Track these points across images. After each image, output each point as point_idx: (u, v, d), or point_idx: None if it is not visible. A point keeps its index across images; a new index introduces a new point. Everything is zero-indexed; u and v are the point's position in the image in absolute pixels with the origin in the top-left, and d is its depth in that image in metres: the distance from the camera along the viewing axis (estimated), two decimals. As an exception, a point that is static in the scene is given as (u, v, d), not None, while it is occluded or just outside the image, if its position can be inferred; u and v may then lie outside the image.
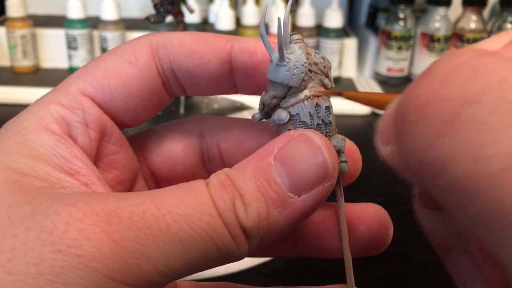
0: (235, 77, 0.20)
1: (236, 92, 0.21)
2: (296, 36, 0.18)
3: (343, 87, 0.77)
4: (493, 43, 0.14)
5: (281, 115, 0.18)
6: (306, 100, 0.18)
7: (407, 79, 0.79)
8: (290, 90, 0.18)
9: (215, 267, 0.17)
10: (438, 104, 0.11)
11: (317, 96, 0.18)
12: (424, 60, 0.76)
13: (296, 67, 0.18)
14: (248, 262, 0.39)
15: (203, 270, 0.16)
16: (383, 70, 0.77)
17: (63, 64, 0.79)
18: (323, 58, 0.19)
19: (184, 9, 0.49)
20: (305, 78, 0.18)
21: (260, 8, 0.79)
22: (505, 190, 0.10)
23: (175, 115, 0.51)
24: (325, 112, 0.18)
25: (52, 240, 0.14)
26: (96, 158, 0.20)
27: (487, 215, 0.10)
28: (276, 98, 0.18)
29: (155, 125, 0.23)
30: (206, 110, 0.52)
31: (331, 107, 0.18)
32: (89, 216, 0.15)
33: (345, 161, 0.19)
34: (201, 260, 0.16)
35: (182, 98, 0.52)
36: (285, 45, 0.18)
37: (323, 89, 0.18)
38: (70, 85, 0.19)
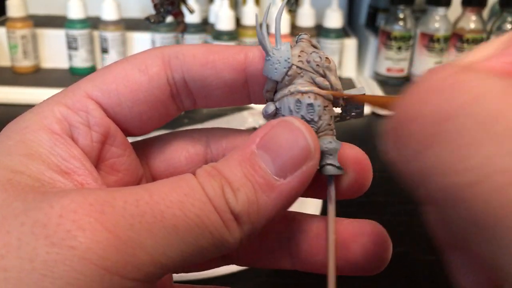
0: (249, 86, 0.20)
1: (249, 102, 0.21)
2: (303, 36, 0.19)
3: (343, 87, 0.77)
4: (482, 53, 0.14)
5: (268, 107, 0.19)
6: (289, 95, 0.19)
7: (406, 79, 0.79)
8: (278, 85, 0.19)
9: (210, 257, 0.17)
10: (419, 121, 0.12)
11: (303, 93, 0.18)
12: (424, 60, 0.77)
13: (279, 62, 0.18)
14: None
15: (198, 262, 0.16)
16: (383, 70, 0.78)
17: (63, 64, 0.79)
18: (320, 57, 0.19)
19: (184, 9, 0.49)
20: (290, 73, 0.18)
21: (260, 8, 0.79)
22: (478, 202, 0.11)
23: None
24: (307, 109, 0.18)
25: (46, 233, 0.14)
26: (99, 160, 0.19)
27: (467, 223, 0.11)
28: (268, 92, 0.19)
29: (162, 132, 0.23)
30: (206, 110, 0.53)
31: (320, 106, 0.18)
32: (82, 207, 0.15)
33: (333, 165, 0.19)
34: (196, 249, 0.16)
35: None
36: (278, 42, 0.19)
37: (315, 88, 0.19)
38: (77, 88, 0.19)
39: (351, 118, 0.21)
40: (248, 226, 0.17)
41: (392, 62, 0.77)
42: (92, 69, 0.78)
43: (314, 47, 0.19)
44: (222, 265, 0.24)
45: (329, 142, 0.19)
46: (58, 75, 0.77)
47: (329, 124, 0.19)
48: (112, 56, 0.76)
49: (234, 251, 0.17)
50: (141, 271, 0.15)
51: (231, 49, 0.20)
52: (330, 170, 0.19)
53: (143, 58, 0.20)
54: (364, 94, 0.19)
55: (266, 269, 0.39)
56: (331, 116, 0.19)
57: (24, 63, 0.77)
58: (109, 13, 0.74)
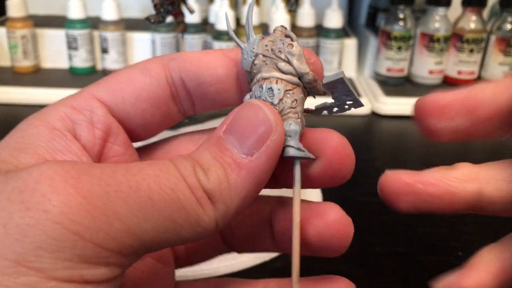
0: (241, 83, 0.21)
1: (242, 101, 0.22)
2: (277, 27, 0.20)
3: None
4: None
5: (245, 98, 0.20)
6: (256, 83, 0.20)
7: (407, 79, 0.79)
8: (250, 75, 0.20)
9: (187, 238, 0.17)
10: None
11: (265, 79, 0.19)
12: (424, 60, 0.77)
13: (246, 53, 0.20)
14: (248, 262, 0.39)
15: (175, 242, 0.17)
16: (383, 70, 0.78)
17: (63, 64, 0.79)
18: (283, 43, 0.19)
19: (184, 9, 0.49)
20: (256, 62, 0.19)
21: (260, 8, 0.79)
22: None
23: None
24: (267, 93, 0.19)
25: (21, 199, 0.14)
26: (100, 157, 0.20)
27: None
28: (248, 83, 0.20)
29: (166, 134, 0.23)
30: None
31: (280, 89, 0.19)
32: (59, 174, 0.15)
33: (292, 146, 0.19)
34: (171, 225, 0.16)
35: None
36: (248, 35, 0.20)
37: (276, 73, 0.19)
38: (83, 91, 0.20)
39: (350, 108, 0.21)
40: (222, 205, 0.17)
41: (392, 62, 0.77)
42: (92, 69, 0.78)
43: (287, 36, 0.20)
44: (219, 253, 0.24)
45: (289, 124, 0.19)
46: (58, 75, 0.77)
47: (292, 107, 0.19)
48: (112, 56, 0.76)
49: (212, 233, 0.17)
50: (115, 240, 0.15)
51: (224, 50, 0.21)
52: (289, 151, 0.19)
53: (144, 63, 0.21)
54: (342, 78, 0.20)
55: (267, 269, 0.39)
56: (295, 100, 0.19)
57: (24, 63, 0.77)
58: (109, 13, 0.74)
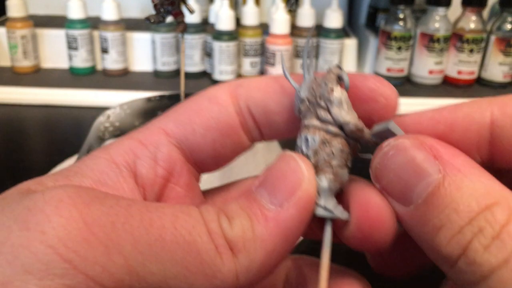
0: None
1: None
2: (330, 68, 0.18)
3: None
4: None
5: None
6: (300, 131, 0.18)
7: (407, 79, 0.79)
8: (300, 120, 0.19)
9: (197, 286, 0.15)
10: None
11: (306, 127, 0.18)
12: (424, 60, 0.77)
13: (296, 96, 0.18)
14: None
15: (182, 286, 0.15)
16: (383, 70, 0.78)
17: (63, 64, 0.79)
18: (326, 87, 0.18)
19: (184, 9, 0.49)
20: (302, 108, 0.18)
21: (260, 8, 0.79)
22: None
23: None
24: (304, 144, 0.18)
25: (25, 218, 0.14)
26: (160, 197, 0.19)
27: None
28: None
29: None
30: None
31: (316, 141, 0.18)
32: (71, 197, 0.14)
33: (320, 205, 0.17)
34: (181, 271, 0.14)
35: (182, 97, 0.52)
36: (304, 75, 0.18)
37: (315, 121, 0.18)
38: (152, 124, 0.20)
39: None
40: (244, 257, 0.15)
41: (392, 62, 0.77)
42: (92, 69, 0.78)
43: (339, 77, 0.18)
44: None
45: (321, 179, 0.17)
46: (58, 75, 0.77)
47: (327, 161, 0.17)
48: (112, 56, 0.76)
49: None
50: (112, 276, 0.14)
51: (293, 75, 0.20)
52: (316, 210, 0.17)
53: (211, 91, 0.20)
54: (389, 128, 0.17)
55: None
56: (331, 152, 0.17)
57: (24, 63, 0.77)
58: (109, 13, 0.74)
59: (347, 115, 0.17)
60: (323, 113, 0.18)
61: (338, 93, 0.17)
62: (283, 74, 0.19)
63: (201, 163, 0.20)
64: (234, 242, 0.15)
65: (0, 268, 0.13)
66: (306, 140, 0.18)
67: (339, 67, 0.18)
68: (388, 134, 0.17)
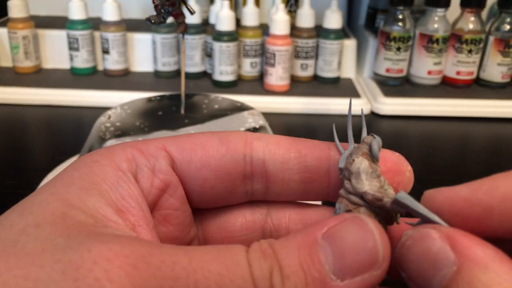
0: (330, 178, 0.20)
1: (327, 195, 0.20)
2: (364, 139, 0.19)
3: (343, 88, 0.78)
4: None
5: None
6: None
7: (406, 80, 0.80)
8: None
9: None
10: None
11: (339, 196, 0.19)
12: (423, 60, 0.77)
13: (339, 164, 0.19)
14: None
15: None
16: (382, 71, 0.78)
17: (64, 64, 0.79)
18: (350, 159, 0.18)
19: (185, 10, 0.49)
20: (341, 177, 0.19)
21: (260, 9, 0.79)
22: None
23: (175, 115, 0.51)
24: (335, 212, 0.19)
25: (75, 276, 0.14)
26: (155, 207, 0.19)
27: None
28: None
29: None
30: (206, 110, 0.53)
31: (340, 210, 0.18)
32: (117, 257, 0.14)
33: None
34: None
35: (183, 98, 0.52)
36: (350, 144, 0.19)
37: (342, 192, 0.18)
38: (155, 139, 0.20)
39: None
40: None
41: (391, 63, 0.77)
42: (93, 70, 0.78)
43: (370, 148, 0.18)
44: None
45: None
46: (59, 76, 0.77)
47: None
48: (113, 57, 0.76)
49: None
50: None
51: (317, 142, 0.20)
52: None
53: (227, 133, 0.20)
54: (396, 199, 0.17)
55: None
56: None
57: (26, 64, 0.77)
58: (110, 14, 0.75)
59: (364, 186, 0.18)
60: (347, 184, 0.18)
61: (357, 164, 0.18)
62: (334, 141, 0.19)
63: (187, 195, 0.20)
64: None
65: None
66: (335, 208, 0.18)
67: (373, 135, 0.19)
68: (407, 208, 0.17)
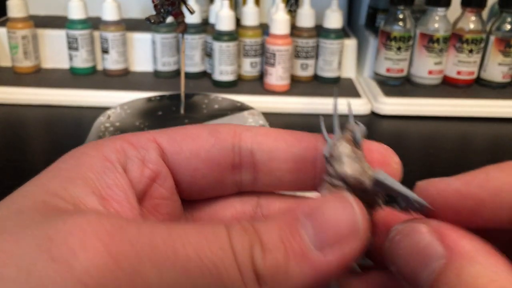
0: (317, 167, 0.20)
1: (313, 186, 0.20)
2: (347, 126, 0.19)
3: (343, 87, 0.78)
4: None
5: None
6: None
7: (406, 80, 0.79)
8: None
9: None
10: None
11: (323, 181, 0.19)
12: (423, 60, 0.77)
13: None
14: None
15: None
16: (382, 71, 0.78)
17: (64, 64, 0.79)
18: (333, 144, 0.19)
19: (184, 10, 0.49)
20: (326, 163, 0.19)
21: (260, 8, 0.79)
22: None
23: (175, 115, 0.51)
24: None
25: (49, 247, 0.14)
26: (145, 196, 0.19)
27: None
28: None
29: None
30: (206, 110, 0.53)
31: (324, 194, 0.18)
32: (94, 227, 0.14)
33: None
34: None
35: (183, 98, 0.52)
36: (335, 132, 0.19)
37: (326, 177, 0.18)
38: (146, 132, 0.20)
39: (412, 210, 0.18)
40: None
41: (391, 63, 0.77)
42: (92, 70, 0.78)
43: (353, 134, 0.19)
44: None
45: None
46: (58, 76, 0.77)
47: None
48: (113, 56, 0.76)
49: None
50: None
51: (303, 133, 0.20)
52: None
53: (217, 125, 0.20)
54: (376, 179, 0.17)
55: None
56: None
57: (25, 64, 0.77)
58: (109, 14, 0.75)
59: (347, 168, 0.18)
60: (330, 168, 0.18)
61: (340, 148, 0.18)
62: (321, 130, 0.20)
63: (177, 186, 0.20)
64: (263, 276, 0.15)
65: None
66: (319, 192, 0.19)
67: (357, 123, 0.19)
68: (386, 188, 0.17)
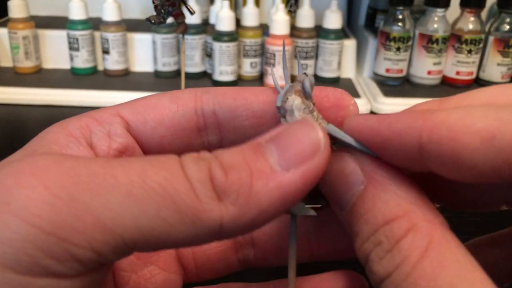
0: (278, 120, 0.20)
1: None
2: (297, 77, 0.20)
3: (342, 88, 0.78)
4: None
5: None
6: None
7: (405, 80, 0.80)
8: None
9: (183, 239, 0.15)
10: None
11: None
12: (422, 60, 0.77)
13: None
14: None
15: (169, 242, 0.15)
16: (381, 71, 0.78)
17: (64, 65, 0.80)
18: (285, 97, 0.19)
19: (184, 10, 0.49)
20: (278, 116, 0.20)
21: (260, 9, 0.79)
22: None
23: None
24: None
25: None
26: None
27: None
28: None
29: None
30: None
31: None
32: (30, 167, 0.15)
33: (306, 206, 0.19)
34: (159, 223, 0.14)
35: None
36: (286, 82, 0.20)
37: None
38: (110, 107, 0.20)
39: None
40: (234, 207, 0.15)
41: (391, 63, 0.77)
42: (93, 70, 0.79)
43: (303, 85, 0.19)
44: (231, 269, 0.24)
45: None
46: (59, 76, 0.77)
47: None
48: (113, 57, 0.76)
49: (216, 236, 0.15)
50: (84, 235, 0.14)
51: (260, 88, 0.21)
52: (304, 210, 0.19)
53: (176, 92, 0.21)
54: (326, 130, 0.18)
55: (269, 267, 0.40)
56: None
57: (26, 64, 0.77)
58: (110, 14, 0.75)
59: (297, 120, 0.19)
60: (283, 121, 0.19)
61: (291, 101, 0.19)
62: (273, 82, 0.21)
63: (144, 150, 0.21)
64: (226, 192, 0.15)
65: None
66: None
67: (305, 73, 0.20)
68: (335, 138, 0.18)
